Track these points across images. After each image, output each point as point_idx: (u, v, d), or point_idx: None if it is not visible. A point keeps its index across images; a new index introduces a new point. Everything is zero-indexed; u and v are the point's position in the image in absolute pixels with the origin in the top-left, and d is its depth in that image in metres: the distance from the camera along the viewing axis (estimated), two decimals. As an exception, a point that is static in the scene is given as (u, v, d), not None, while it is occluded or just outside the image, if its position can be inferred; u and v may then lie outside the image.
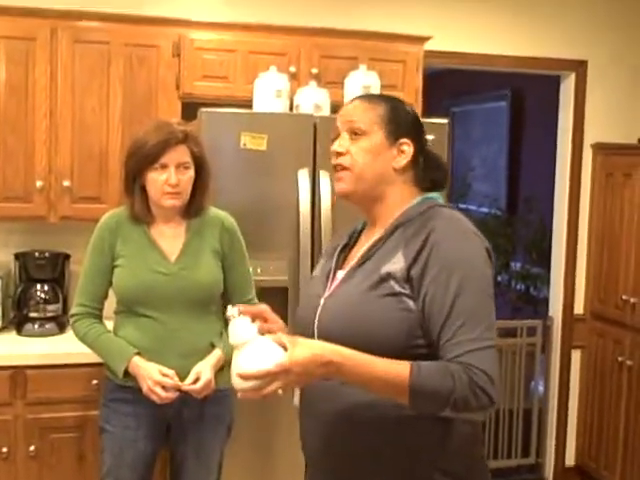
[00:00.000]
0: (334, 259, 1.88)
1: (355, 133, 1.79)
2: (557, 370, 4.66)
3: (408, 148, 1.79)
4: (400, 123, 1.80)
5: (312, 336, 1.74)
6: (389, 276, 1.68)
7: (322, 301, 1.80)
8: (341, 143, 1.82)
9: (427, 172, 1.85)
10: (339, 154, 1.81)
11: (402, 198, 1.80)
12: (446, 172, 1.92)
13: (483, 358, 1.57)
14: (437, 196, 1.83)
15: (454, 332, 1.59)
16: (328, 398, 1.74)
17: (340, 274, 1.82)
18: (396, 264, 1.68)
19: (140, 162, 2.56)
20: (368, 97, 1.91)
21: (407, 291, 1.66)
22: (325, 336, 1.68)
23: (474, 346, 1.58)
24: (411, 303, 1.65)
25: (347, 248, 1.90)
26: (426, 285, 1.64)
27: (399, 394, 1.57)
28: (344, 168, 1.80)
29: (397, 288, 1.66)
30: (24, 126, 3.36)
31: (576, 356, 4.64)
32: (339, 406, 1.72)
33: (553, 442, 4.67)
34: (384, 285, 1.68)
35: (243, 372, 1.58)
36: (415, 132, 1.83)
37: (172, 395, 2.52)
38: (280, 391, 1.57)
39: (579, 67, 4.51)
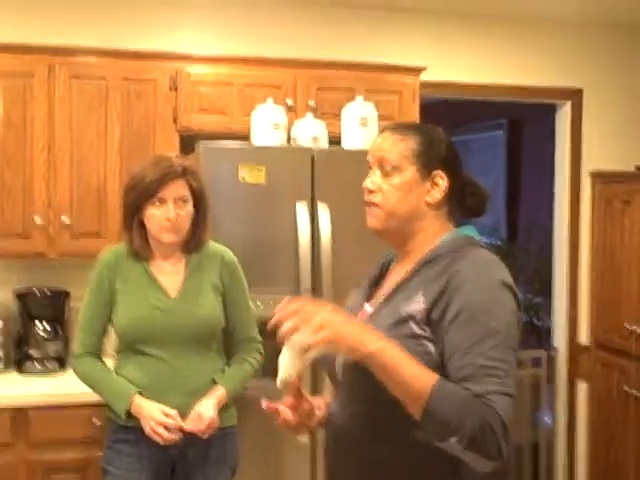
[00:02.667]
0: (363, 291, 1.85)
1: (386, 169, 1.74)
2: (563, 401, 4.61)
3: (442, 181, 1.73)
4: (433, 155, 1.73)
5: (335, 372, 1.72)
6: (409, 317, 1.62)
7: None
8: (373, 180, 1.77)
9: (463, 201, 1.79)
10: (370, 191, 1.77)
11: (434, 233, 1.74)
12: (483, 197, 1.82)
13: (502, 403, 1.50)
14: (470, 231, 1.77)
15: (474, 371, 1.52)
16: (353, 453, 1.70)
17: (368, 307, 1.78)
18: (417, 305, 1.63)
19: (139, 197, 2.55)
20: (398, 128, 1.80)
21: (427, 334, 1.60)
22: (347, 372, 1.66)
23: (495, 388, 1.50)
24: (431, 346, 1.60)
25: (378, 279, 1.85)
26: (445, 327, 1.58)
27: (416, 402, 1.51)
28: (376, 205, 1.76)
29: (417, 330, 1.61)
30: (22, 161, 3.36)
31: (582, 387, 4.60)
32: (365, 462, 1.68)
33: (561, 475, 4.61)
34: (404, 326, 1.62)
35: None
36: (450, 162, 1.75)
37: (175, 436, 2.48)
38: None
39: (575, 96, 4.53)
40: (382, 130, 1.84)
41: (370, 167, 1.80)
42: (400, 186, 1.73)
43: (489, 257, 1.68)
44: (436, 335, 1.59)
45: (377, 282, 1.85)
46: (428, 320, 1.61)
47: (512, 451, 4.60)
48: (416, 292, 1.65)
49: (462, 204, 1.79)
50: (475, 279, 1.60)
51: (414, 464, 1.62)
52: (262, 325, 2.81)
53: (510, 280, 1.64)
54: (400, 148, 1.74)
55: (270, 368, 2.90)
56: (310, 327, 1.53)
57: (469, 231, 1.77)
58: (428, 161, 1.73)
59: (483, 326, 1.55)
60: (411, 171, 1.72)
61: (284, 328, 1.56)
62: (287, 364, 1.63)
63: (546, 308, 5.51)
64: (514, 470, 4.64)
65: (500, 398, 1.50)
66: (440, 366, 1.57)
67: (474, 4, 4.10)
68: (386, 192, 1.74)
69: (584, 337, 4.58)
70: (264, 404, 1.73)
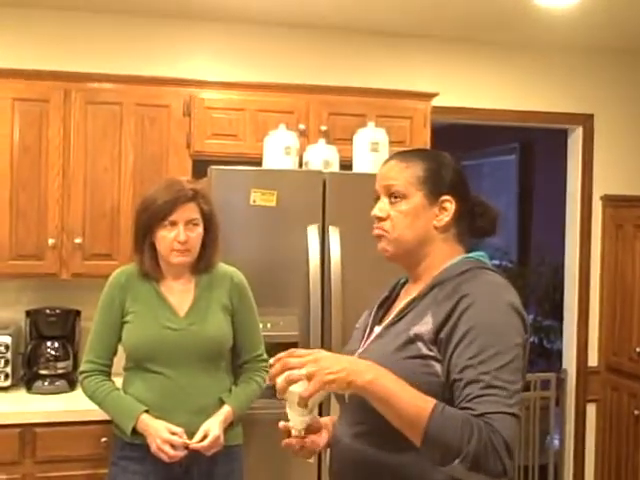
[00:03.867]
0: (373, 313, 1.86)
1: (394, 196, 1.76)
2: (572, 424, 4.60)
3: (450, 205, 1.75)
4: (440, 180, 1.75)
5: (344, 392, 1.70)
6: (417, 337, 1.63)
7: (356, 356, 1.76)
8: (380, 207, 1.79)
9: (472, 222, 1.81)
10: (379, 219, 1.79)
11: (443, 256, 1.75)
12: (493, 216, 1.83)
13: (505, 423, 1.49)
14: (479, 255, 1.77)
15: (479, 391, 1.52)
16: (357, 473, 1.70)
17: (377, 329, 1.80)
18: (425, 325, 1.64)
19: (150, 219, 2.59)
20: (404, 155, 1.81)
21: (434, 354, 1.61)
22: (354, 393, 1.63)
23: (497, 409, 1.50)
24: (438, 366, 1.61)
25: (388, 302, 1.87)
26: (452, 347, 1.59)
27: (414, 429, 1.51)
28: (385, 232, 1.78)
29: (424, 350, 1.62)
30: (37, 185, 3.42)
31: (591, 409, 4.59)
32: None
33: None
34: (412, 347, 1.63)
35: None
36: (457, 186, 1.77)
37: (181, 453, 2.50)
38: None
39: (586, 121, 4.56)
40: (388, 158, 1.86)
41: (377, 195, 1.82)
42: (408, 212, 1.75)
43: (498, 280, 1.70)
44: (443, 356, 1.60)
45: (387, 304, 1.87)
46: (436, 340, 1.62)
47: (520, 473, 4.59)
48: (425, 313, 1.67)
49: (472, 225, 1.81)
50: (484, 301, 1.62)
51: None
52: (271, 346, 2.86)
53: (518, 303, 1.65)
54: (406, 175, 1.76)
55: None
56: (302, 378, 1.53)
57: (479, 255, 1.78)
58: (435, 186, 1.75)
59: (490, 347, 1.56)
60: (418, 197, 1.75)
61: (277, 386, 1.57)
62: (293, 419, 1.66)
63: (556, 331, 5.50)
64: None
65: (502, 418, 1.49)
66: (446, 387, 1.58)
67: (486, 31, 4.14)
68: (394, 219, 1.76)
69: (594, 360, 4.58)
70: (281, 424, 1.71)
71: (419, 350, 1.62)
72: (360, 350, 1.78)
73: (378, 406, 1.54)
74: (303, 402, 1.55)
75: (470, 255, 1.77)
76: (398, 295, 1.86)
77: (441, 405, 1.51)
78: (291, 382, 1.54)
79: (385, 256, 1.81)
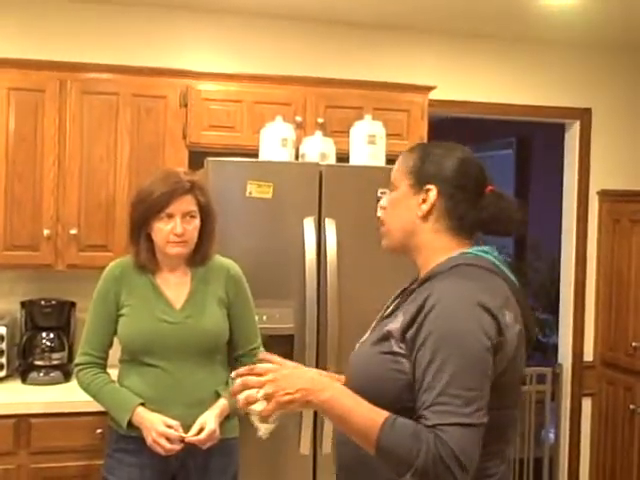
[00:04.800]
0: (388, 303, 1.86)
1: (392, 188, 1.81)
2: (567, 418, 4.60)
3: (432, 194, 1.73)
4: (425, 170, 1.75)
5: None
6: (390, 334, 1.65)
7: (357, 346, 1.82)
8: (384, 198, 1.83)
9: (479, 217, 1.75)
10: (382, 209, 1.83)
11: (438, 250, 1.73)
12: (508, 215, 1.76)
13: (455, 434, 1.48)
14: (479, 250, 1.73)
15: (432, 400, 1.51)
16: (359, 468, 1.72)
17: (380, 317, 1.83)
18: (396, 323, 1.65)
19: (146, 212, 2.58)
20: (409, 149, 1.84)
21: (403, 351, 1.61)
22: (349, 384, 1.69)
23: (448, 420, 1.49)
24: (407, 364, 1.60)
25: (405, 292, 1.84)
26: (415, 349, 1.58)
27: (368, 442, 1.54)
28: (382, 223, 1.82)
29: (395, 347, 1.63)
30: (32, 175, 3.40)
31: (587, 404, 4.60)
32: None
33: (565, 492, 4.61)
34: (385, 343, 1.65)
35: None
36: (448, 177, 1.74)
37: (176, 447, 2.50)
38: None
39: (584, 115, 4.55)
40: None
41: None
42: (394, 201, 1.79)
43: (476, 277, 1.65)
44: (409, 353, 1.60)
45: (402, 295, 1.85)
46: (404, 339, 1.62)
47: (516, 466, 4.60)
48: (400, 310, 1.68)
49: (479, 220, 1.75)
50: (448, 301, 1.59)
51: None
52: (267, 338, 2.86)
53: (490, 303, 1.59)
54: (401, 167, 1.80)
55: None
56: (260, 399, 1.59)
57: (480, 250, 1.73)
58: (421, 175, 1.75)
59: (447, 352, 1.53)
60: (404, 186, 1.77)
61: (238, 404, 1.64)
62: (258, 427, 1.69)
63: (552, 325, 5.51)
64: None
65: (453, 429, 1.48)
66: (412, 386, 1.58)
67: (483, 24, 4.13)
68: (386, 208, 1.81)
69: (590, 354, 4.59)
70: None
71: (391, 347, 1.64)
72: (362, 339, 1.81)
73: (335, 422, 1.61)
74: (264, 420, 1.62)
75: (468, 250, 1.73)
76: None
77: (392, 419, 1.53)
78: (250, 403, 1.60)
79: (384, 250, 1.83)
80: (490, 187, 1.78)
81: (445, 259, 1.71)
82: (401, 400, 1.59)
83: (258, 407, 1.59)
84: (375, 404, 1.58)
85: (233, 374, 1.67)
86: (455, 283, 1.63)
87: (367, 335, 1.82)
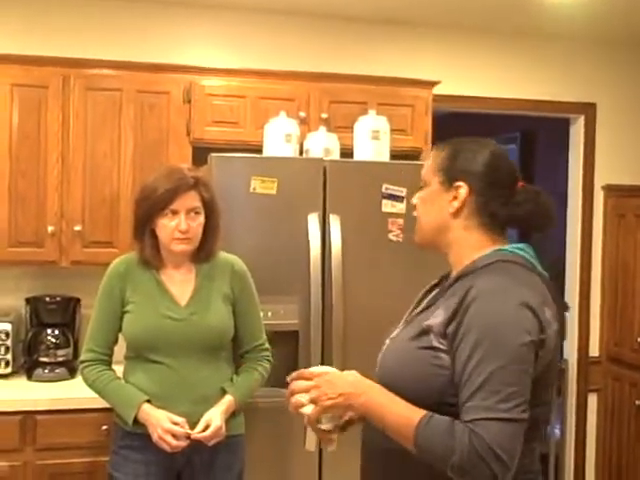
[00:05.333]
0: (418, 299, 1.88)
1: (423, 185, 1.82)
2: (573, 414, 4.60)
3: (462, 191, 1.73)
4: (456, 167, 1.75)
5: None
6: (429, 329, 1.66)
7: (387, 342, 1.85)
8: (416, 195, 1.85)
9: (512, 213, 1.74)
10: (414, 206, 1.86)
11: (471, 246, 1.74)
12: (530, 209, 1.74)
13: (492, 429, 1.50)
14: (516, 247, 1.72)
15: (470, 395, 1.54)
16: (385, 458, 1.74)
17: (414, 313, 1.83)
18: (437, 318, 1.66)
19: (151, 208, 2.57)
20: (438, 146, 1.85)
21: (444, 346, 1.63)
22: (380, 379, 1.73)
23: (485, 415, 1.51)
24: (447, 359, 1.62)
25: (435, 288, 1.86)
26: (456, 344, 1.60)
27: (407, 441, 1.58)
28: (416, 219, 1.84)
29: (435, 342, 1.64)
30: (36, 172, 3.40)
31: (592, 399, 4.59)
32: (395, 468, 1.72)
33: (570, 487, 4.60)
34: (424, 338, 1.66)
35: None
36: (479, 174, 1.73)
37: (182, 443, 2.49)
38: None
39: (588, 110, 4.54)
40: None
41: None
42: (425, 198, 1.81)
43: (515, 274, 1.66)
44: (451, 349, 1.61)
45: (433, 291, 1.87)
46: (445, 334, 1.63)
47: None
48: (439, 305, 1.69)
49: (512, 219, 1.75)
50: (489, 297, 1.60)
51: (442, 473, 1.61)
52: (271, 334, 2.85)
53: (531, 300, 1.59)
54: (431, 164, 1.81)
55: (279, 377, 2.93)
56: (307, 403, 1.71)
57: (516, 248, 1.73)
58: (451, 172, 1.76)
59: (487, 349, 1.54)
60: (434, 183, 1.78)
61: (289, 408, 1.76)
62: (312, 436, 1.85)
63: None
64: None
65: (490, 424, 1.50)
66: (454, 381, 1.60)
67: (488, 18, 4.12)
68: (418, 205, 1.83)
69: (595, 350, 4.58)
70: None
71: (430, 342, 1.65)
72: (393, 335, 1.84)
73: (375, 422, 1.66)
74: (312, 422, 1.75)
75: (505, 248, 1.72)
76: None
77: (427, 417, 1.57)
78: (298, 407, 1.73)
79: (416, 246, 1.85)
80: (521, 183, 1.77)
81: (481, 255, 1.71)
82: (443, 395, 1.61)
83: (306, 411, 1.72)
84: (416, 400, 1.61)
85: (288, 378, 1.78)
86: (495, 279, 1.64)
87: (398, 331, 1.83)
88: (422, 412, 1.57)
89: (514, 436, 1.51)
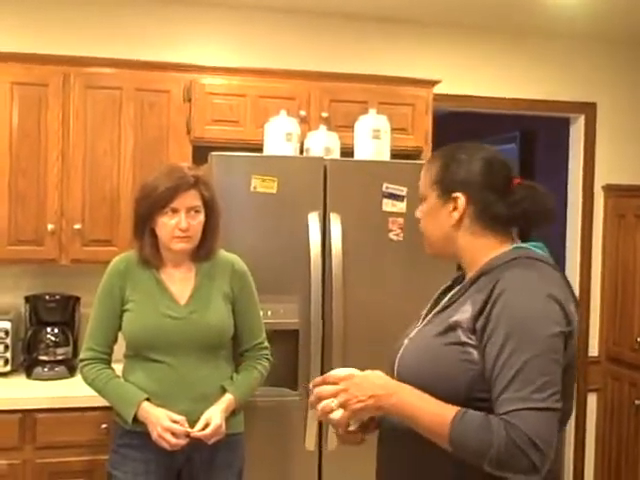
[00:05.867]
0: (433, 300, 1.89)
1: (421, 199, 1.85)
2: (573, 413, 4.58)
3: (460, 201, 1.76)
4: (450, 178, 1.77)
5: (393, 375, 1.79)
6: (457, 325, 1.67)
7: (405, 342, 1.84)
8: (418, 209, 1.87)
9: (514, 210, 1.75)
10: (418, 220, 1.88)
11: (480, 248, 1.76)
12: (529, 206, 1.75)
13: (528, 419, 1.51)
14: (532, 245, 1.75)
15: (504, 388, 1.55)
16: (402, 446, 1.76)
17: (433, 313, 1.84)
18: (464, 313, 1.67)
19: (151, 207, 2.57)
20: (433, 156, 1.88)
21: (473, 342, 1.64)
22: (401, 377, 1.74)
23: (521, 405, 1.52)
24: (476, 354, 1.63)
25: (449, 291, 1.87)
26: (485, 339, 1.61)
27: (442, 439, 1.58)
28: (422, 233, 1.86)
29: (463, 338, 1.65)
30: (36, 170, 3.39)
31: (592, 399, 4.59)
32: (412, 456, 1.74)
33: (570, 487, 4.61)
34: (452, 334, 1.67)
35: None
36: (471, 181, 1.75)
37: (182, 442, 2.49)
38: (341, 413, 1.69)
39: (588, 109, 4.53)
40: None
41: None
42: (427, 212, 1.83)
43: (539, 269, 1.68)
44: (479, 343, 1.63)
45: (448, 292, 1.88)
46: (474, 329, 1.64)
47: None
48: (466, 301, 1.70)
49: (513, 218, 1.76)
50: (517, 290, 1.62)
51: (459, 462, 1.62)
52: (271, 333, 2.85)
53: (557, 293, 1.63)
54: (426, 178, 1.83)
55: (278, 376, 2.93)
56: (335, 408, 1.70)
57: (533, 245, 1.76)
58: (446, 185, 1.78)
59: (519, 340, 1.56)
60: (433, 198, 1.80)
61: (317, 415, 1.74)
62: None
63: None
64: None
65: (526, 414, 1.51)
66: (484, 376, 1.61)
67: (487, 18, 4.12)
68: (422, 221, 1.85)
69: (595, 349, 4.58)
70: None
71: (458, 337, 1.66)
72: (411, 335, 1.84)
73: (407, 422, 1.65)
74: (343, 425, 1.74)
75: (521, 245, 1.75)
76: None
77: (461, 413, 1.57)
78: (327, 412, 1.70)
79: (428, 255, 1.87)
80: (517, 180, 1.79)
81: (498, 254, 1.73)
82: (473, 390, 1.62)
83: (336, 416, 1.69)
84: (443, 397, 1.61)
85: (310, 385, 1.77)
86: (522, 273, 1.66)
87: (417, 330, 1.84)
88: (455, 408, 1.58)
89: (550, 425, 1.53)
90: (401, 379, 1.72)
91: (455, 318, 1.68)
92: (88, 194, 3.45)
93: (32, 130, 3.38)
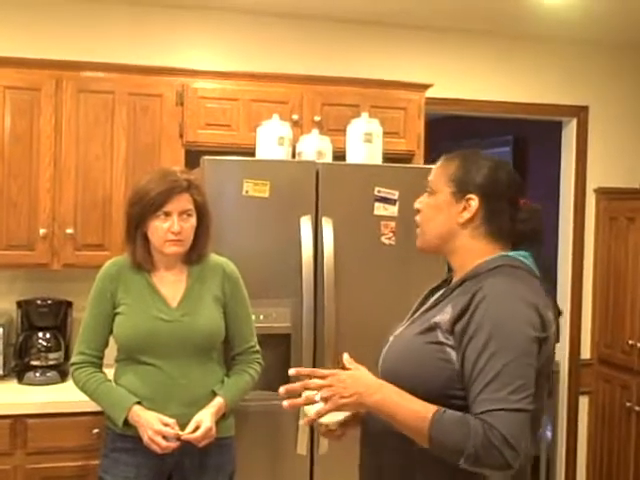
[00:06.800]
0: (421, 300, 1.97)
1: (429, 192, 1.90)
2: (565, 416, 4.61)
3: (473, 203, 1.83)
4: (469, 179, 1.84)
5: (378, 371, 1.88)
6: (437, 325, 1.76)
7: (391, 339, 1.93)
8: (419, 200, 1.93)
9: (513, 226, 1.86)
10: (417, 210, 1.93)
11: (475, 253, 1.83)
12: (533, 227, 1.89)
13: (504, 419, 1.59)
14: (519, 254, 1.83)
15: (482, 389, 1.63)
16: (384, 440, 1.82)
17: (419, 312, 1.92)
18: (445, 315, 1.76)
19: (144, 210, 2.57)
20: (450, 155, 1.94)
21: (450, 342, 1.72)
22: (383, 373, 1.84)
23: (497, 406, 1.60)
24: (453, 354, 1.72)
25: (436, 291, 1.96)
26: (465, 342, 1.69)
27: (421, 436, 1.66)
28: (418, 224, 1.92)
29: (441, 338, 1.74)
30: (28, 174, 3.39)
31: (583, 401, 4.60)
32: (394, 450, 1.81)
33: (562, 489, 4.62)
34: (431, 333, 1.76)
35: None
36: (488, 187, 1.83)
37: (173, 445, 2.49)
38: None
39: (580, 113, 4.55)
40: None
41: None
42: (434, 206, 1.88)
43: (521, 278, 1.77)
44: (459, 347, 1.71)
45: (433, 294, 1.97)
46: (452, 331, 1.73)
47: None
48: (447, 304, 1.78)
49: (513, 229, 1.86)
50: (496, 295, 1.70)
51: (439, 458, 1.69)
52: (263, 337, 2.85)
53: (536, 300, 1.71)
54: (440, 172, 1.89)
55: (270, 380, 2.93)
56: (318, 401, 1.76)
57: (519, 254, 1.83)
58: (463, 185, 1.84)
59: (496, 344, 1.65)
60: (445, 193, 1.86)
61: (299, 400, 1.80)
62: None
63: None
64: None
65: (502, 415, 1.59)
66: (460, 374, 1.70)
67: (481, 23, 4.13)
68: (424, 211, 1.91)
69: (587, 352, 4.59)
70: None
71: (437, 337, 1.74)
72: (397, 332, 1.93)
73: (387, 419, 1.72)
74: (320, 416, 1.78)
75: (508, 253, 1.83)
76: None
77: (440, 412, 1.65)
78: (309, 402, 1.78)
79: (418, 250, 1.93)
80: (523, 200, 1.89)
81: (486, 260, 1.81)
82: (448, 388, 1.71)
83: (315, 408, 1.76)
84: (423, 392, 1.70)
85: (292, 372, 1.83)
86: (503, 281, 1.75)
87: (402, 328, 1.93)
88: (434, 407, 1.65)
89: (524, 425, 1.61)
90: (384, 374, 1.81)
91: (435, 319, 1.77)
92: (80, 198, 3.44)
93: (24, 134, 3.38)
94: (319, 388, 1.76)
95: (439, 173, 1.89)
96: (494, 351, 1.64)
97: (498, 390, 1.61)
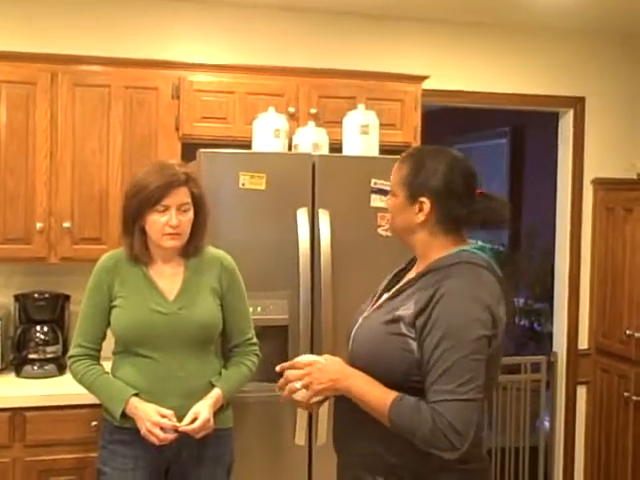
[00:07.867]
0: (387, 281, 2.15)
1: (392, 193, 2.07)
2: (562, 406, 4.62)
3: (426, 206, 1.97)
4: (420, 183, 1.98)
5: (349, 340, 2.10)
6: (400, 318, 1.93)
7: (360, 320, 2.10)
8: (386, 199, 2.13)
9: (473, 217, 1.99)
10: (385, 209, 2.15)
11: (434, 246, 2.00)
12: (500, 213, 2.02)
13: (452, 408, 1.79)
14: (475, 248, 1.99)
15: (435, 380, 1.83)
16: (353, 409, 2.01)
17: (385, 297, 2.07)
18: (407, 310, 1.92)
19: (142, 204, 2.57)
20: (403, 157, 2.07)
21: (412, 334, 1.90)
22: (353, 355, 2.05)
23: (446, 397, 1.80)
24: (414, 345, 1.89)
25: (402, 273, 2.13)
26: (424, 336, 1.87)
27: (383, 417, 1.88)
28: (387, 221, 2.15)
29: (404, 330, 1.91)
30: (24, 168, 3.39)
31: (581, 391, 4.61)
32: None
33: (560, 479, 4.61)
34: (395, 325, 1.93)
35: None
36: (439, 189, 1.96)
37: (170, 436, 2.50)
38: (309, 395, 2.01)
39: (577, 103, 4.55)
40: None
41: None
42: (394, 207, 2.06)
43: (477, 275, 1.92)
44: (418, 338, 1.89)
45: (401, 275, 2.14)
46: (414, 324, 1.90)
47: (512, 454, 4.64)
48: (410, 298, 1.95)
49: (473, 219, 2.00)
50: (454, 297, 1.87)
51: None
52: (261, 329, 2.86)
53: (488, 299, 1.88)
54: (397, 177, 2.04)
55: (267, 372, 2.93)
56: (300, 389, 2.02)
57: (476, 248, 1.99)
58: (415, 188, 1.98)
59: (451, 341, 1.83)
60: (401, 197, 2.02)
61: (284, 394, 2.06)
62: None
63: (547, 314, 5.52)
64: (512, 473, 4.66)
65: (451, 404, 1.80)
66: (420, 363, 1.88)
67: (476, 13, 4.13)
68: (389, 209, 2.09)
69: (584, 342, 4.60)
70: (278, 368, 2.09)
71: (400, 329, 1.92)
72: (365, 314, 2.10)
73: (356, 400, 1.95)
74: (304, 404, 2.07)
75: (466, 248, 1.99)
76: (411, 269, 2.11)
77: (399, 398, 1.86)
78: (293, 392, 2.03)
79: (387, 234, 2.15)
80: (479, 190, 2.01)
81: (445, 255, 1.97)
82: (407, 375, 1.89)
83: (299, 395, 2.02)
84: (386, 377, 1.91)
85: (278, 368, 2.07)
86: (461, 281, 1.90)
87: (370, 311, 2.09)
88: (395, 394, 1.87)
89: (471, 413, 1.81)
90: (353, 357, 2.04)
91: (399, 313, 1.94)
92: (77, 192, 3.44)
93: (20, 128, 3.38)
94: (300, 378, 2.00)
95: (395, 176, 2.04)
96: (446, 348, 1.82)
97: (448, 382, 1.80)
